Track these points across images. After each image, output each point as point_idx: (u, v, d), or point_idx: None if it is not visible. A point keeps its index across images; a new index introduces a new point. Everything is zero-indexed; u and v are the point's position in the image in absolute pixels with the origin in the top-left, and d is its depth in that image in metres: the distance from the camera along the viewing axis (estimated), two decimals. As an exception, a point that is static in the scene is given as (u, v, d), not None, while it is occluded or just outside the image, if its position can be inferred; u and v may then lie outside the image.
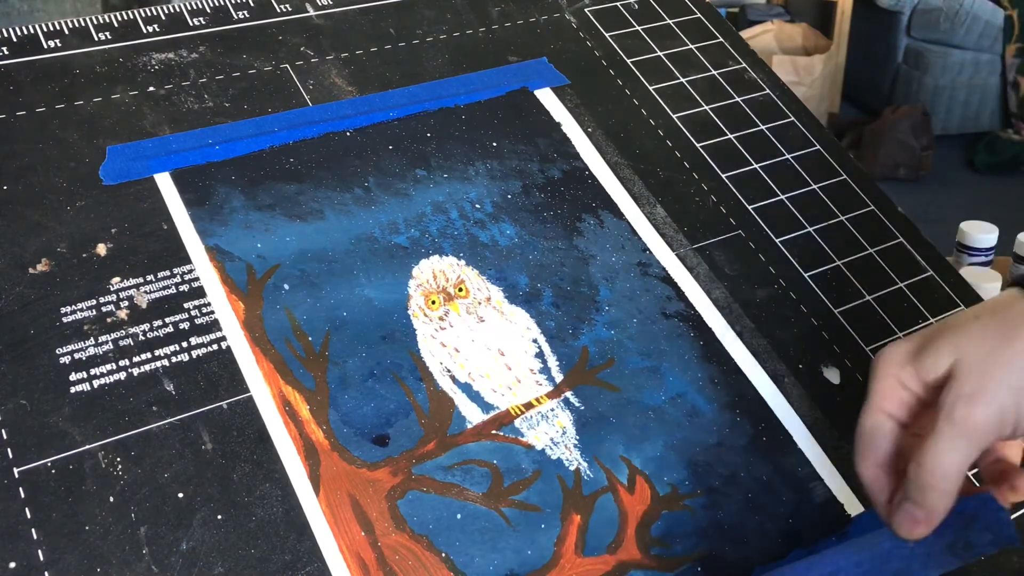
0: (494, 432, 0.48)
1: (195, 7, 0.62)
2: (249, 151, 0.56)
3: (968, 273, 0.86)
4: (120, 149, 0.54)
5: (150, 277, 0.49)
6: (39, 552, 0.40)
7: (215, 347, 0.48)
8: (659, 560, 0.46)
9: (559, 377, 0.51)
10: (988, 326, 0.38)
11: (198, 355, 0.47)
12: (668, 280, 0.56)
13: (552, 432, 0.49)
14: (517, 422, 0.49)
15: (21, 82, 0.56)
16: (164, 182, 0.53)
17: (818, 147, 0.66)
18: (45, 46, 0.58)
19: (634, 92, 0.66)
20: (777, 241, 0.60)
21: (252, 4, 0.64)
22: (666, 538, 0.46)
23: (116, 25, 0.60)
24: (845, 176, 0.65)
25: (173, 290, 0.49)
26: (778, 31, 3.22)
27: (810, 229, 0.61)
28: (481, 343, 0.51)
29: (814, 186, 0.64)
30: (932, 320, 0.58)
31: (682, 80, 0.68)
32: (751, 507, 0.48)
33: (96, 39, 0.59)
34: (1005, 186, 2.87)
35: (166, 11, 0.62)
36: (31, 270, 0.48)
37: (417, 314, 0.51)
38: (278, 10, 0.64)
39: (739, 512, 0.48)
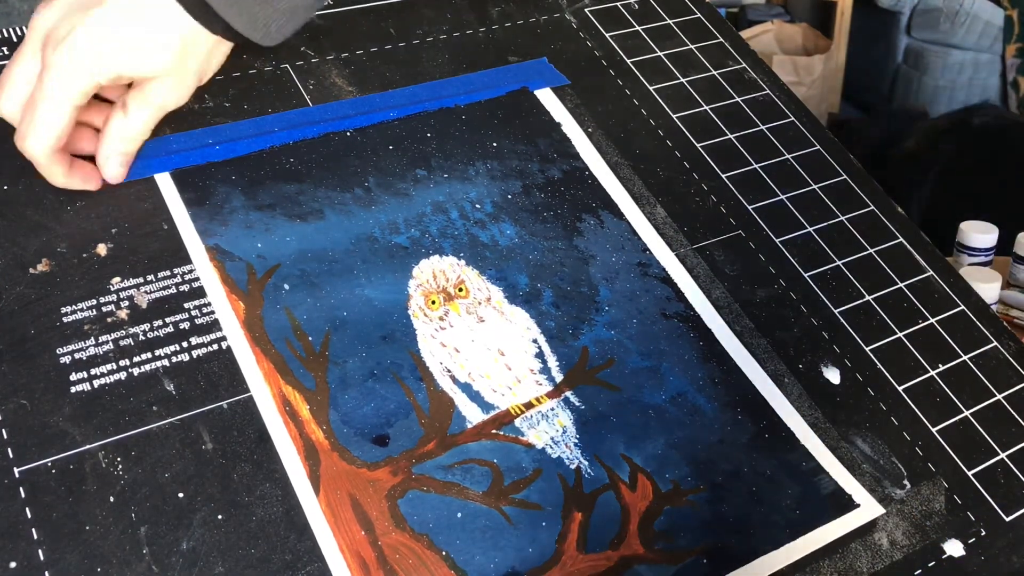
0: (494, 431, 0.48)
1: (195, 7, 0.62)
2: (249, 151, 0.56)
3: (968, 273, 0.86)
4: (120, 149, 0.54)
5: (150, 277, 0.49)
6: (39, 552, 0.40)
7: (215, 347, 0.48)
8: (663, 554, 0.46)
9: (559, 377, 0.51)
10: None
11: (198, 355, 0.47)
12: (668, 280, 0.56)
13: (552, 431, 0.49)
14: (517, 422, 0.49)
15: (21, 82, 0.56)
16: (164, 182, 0.53)
17: (818, 147, 0.66)
18: (45, 46, 0.58)
19: (634, 92, 0.66)
20: (777, 241, 0.60)
21: (252, 4, 0.64)
22: (670, 532, 0.46)
23: (116, 25, 0.60)
24: (845, 176, 0.65)
25: (173, 290, 0.49)
26: (778, 31, 3.22)
27: (810, 229, 0.61)
28: (481, 343, 0.51)
29: (814, 186, 0.64)
30: (932, 320, 0.58)
31: (682, 80, 0.68)
32: (756, 500, 0.48)
33: (96, 39, 0.59)
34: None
35: (166, 11, 0.61)
36: (31, 270, 0.48)
37: (417, 314, 0.51)
38: (278, 10, 0.64)
39: (744, 505, 0.48)
